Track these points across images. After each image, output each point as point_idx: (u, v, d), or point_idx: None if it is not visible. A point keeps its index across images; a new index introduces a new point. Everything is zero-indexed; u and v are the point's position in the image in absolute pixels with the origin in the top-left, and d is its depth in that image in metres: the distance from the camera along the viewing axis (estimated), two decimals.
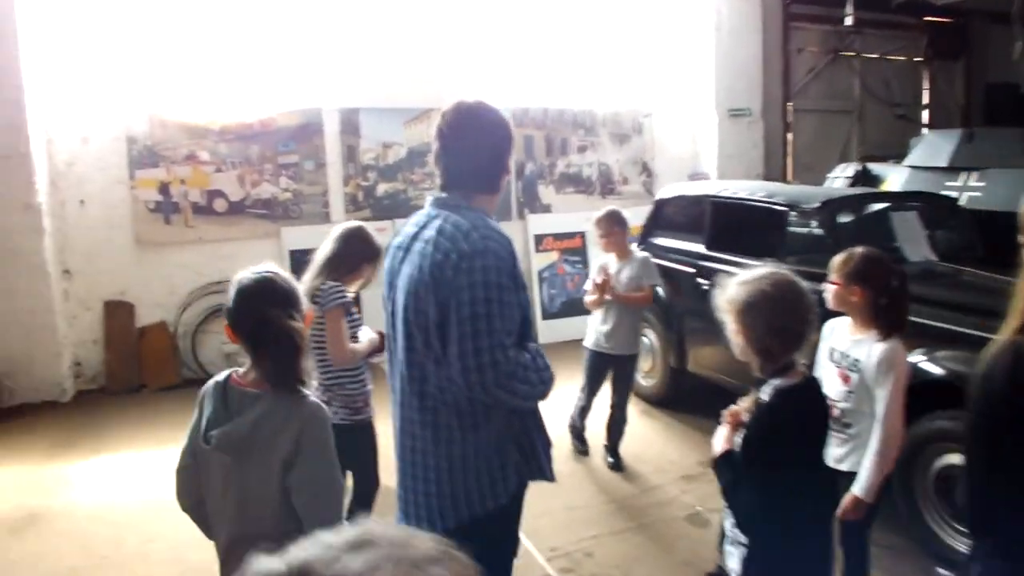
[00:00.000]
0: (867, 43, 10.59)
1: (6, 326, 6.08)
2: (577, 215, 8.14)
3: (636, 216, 5.63)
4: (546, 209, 8.26)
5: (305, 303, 2.00)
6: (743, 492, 1.97)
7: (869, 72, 10.72)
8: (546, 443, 2.17)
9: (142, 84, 6.64)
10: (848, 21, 9.13)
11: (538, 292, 7.85)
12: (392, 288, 2.12)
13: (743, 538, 2.00)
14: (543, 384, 2.02)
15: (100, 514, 4.26)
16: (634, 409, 4.91)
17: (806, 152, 10.04)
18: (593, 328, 4.70)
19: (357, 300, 3.46)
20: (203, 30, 6.81)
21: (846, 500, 2.60)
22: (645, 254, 4.80)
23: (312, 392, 1.95)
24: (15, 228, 6.03)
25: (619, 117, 8.61)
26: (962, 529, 3.39)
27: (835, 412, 2.66)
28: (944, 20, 10.90)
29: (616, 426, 4.76)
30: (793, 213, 4.66)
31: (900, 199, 5.40)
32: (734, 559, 2.05)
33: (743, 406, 2.05)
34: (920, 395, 3.04)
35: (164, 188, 6.74)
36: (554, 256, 8.10)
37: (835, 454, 2.70)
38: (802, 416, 1.98)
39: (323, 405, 1.97)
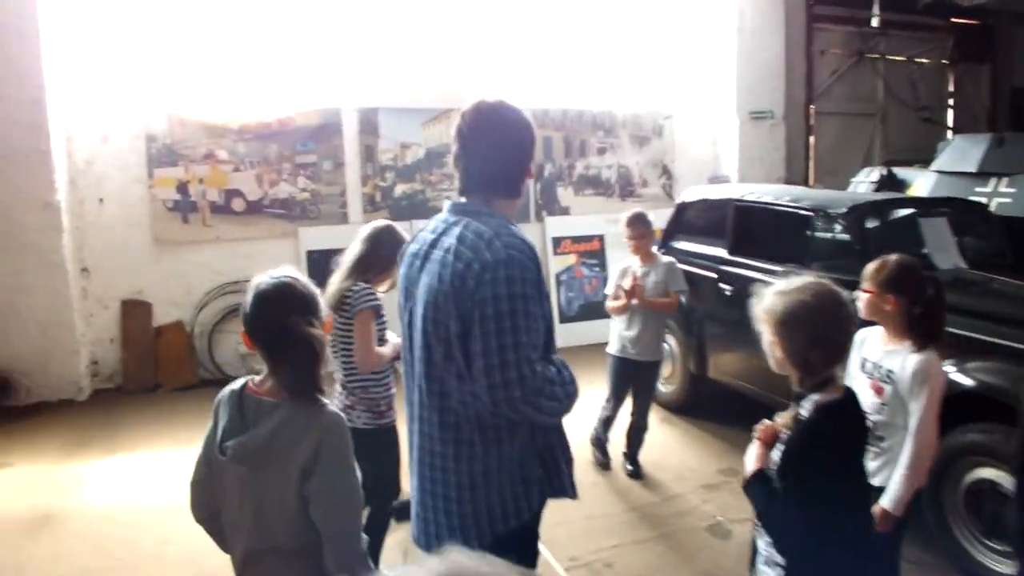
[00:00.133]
0: (892, 45, 10.44)
1: (23, 324, 6.10)
2: (595, 217, 8.10)
3: (656, 219, 5.54)
4: (564, 211, 8.20)
5: (324, 308, 1.94)
6: (780, 510, 1.89)
7: (893, 74, 10.56)
8: (568, 459, 2.09)
9: (162, 83, 6.66)
10: (875, 23, 9.00)
11: (556, 295, 7.78)
12: (409, 298, 2.03)
13: (779, 558, 1.92)
14: (568, 399, 1.95)
15: (114, 515, 4.24)
16: (654, 416, 4.82)
17: (828, 155, 9.90)
18: (617, 334, 4.59)
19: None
20: (223, 29, 6.82)
21: (874, 512, 2.52)
22: (671, 259, 4.72)
23: (332, 400, 1.89)
24: (34, 226, 6.06)
25: (639, 119, 8.53)
26: (993, 545, 3.31)
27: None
28: (970, 22, 10.75)
29: (636, 434, 4.68)
30: (819, 218, 4.57)
31: (928, 205, 5.31)
32: None
33: (780, 422, 1.96)
34: (952, 407, 2.96)
35: (182, 187, 6.75)
36: (572, 259, 8.02)
37: (867, 468, 2.62)
38: (845, 433, 1.90)
39: (341, 414, 1.91)
